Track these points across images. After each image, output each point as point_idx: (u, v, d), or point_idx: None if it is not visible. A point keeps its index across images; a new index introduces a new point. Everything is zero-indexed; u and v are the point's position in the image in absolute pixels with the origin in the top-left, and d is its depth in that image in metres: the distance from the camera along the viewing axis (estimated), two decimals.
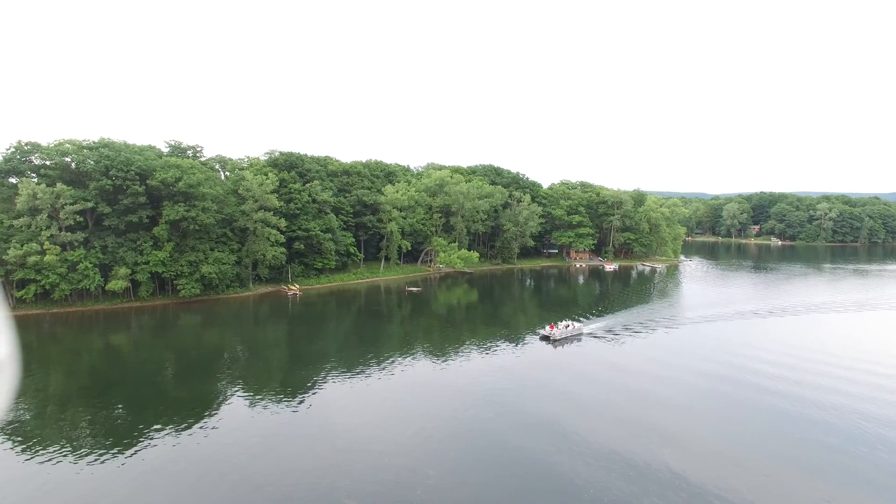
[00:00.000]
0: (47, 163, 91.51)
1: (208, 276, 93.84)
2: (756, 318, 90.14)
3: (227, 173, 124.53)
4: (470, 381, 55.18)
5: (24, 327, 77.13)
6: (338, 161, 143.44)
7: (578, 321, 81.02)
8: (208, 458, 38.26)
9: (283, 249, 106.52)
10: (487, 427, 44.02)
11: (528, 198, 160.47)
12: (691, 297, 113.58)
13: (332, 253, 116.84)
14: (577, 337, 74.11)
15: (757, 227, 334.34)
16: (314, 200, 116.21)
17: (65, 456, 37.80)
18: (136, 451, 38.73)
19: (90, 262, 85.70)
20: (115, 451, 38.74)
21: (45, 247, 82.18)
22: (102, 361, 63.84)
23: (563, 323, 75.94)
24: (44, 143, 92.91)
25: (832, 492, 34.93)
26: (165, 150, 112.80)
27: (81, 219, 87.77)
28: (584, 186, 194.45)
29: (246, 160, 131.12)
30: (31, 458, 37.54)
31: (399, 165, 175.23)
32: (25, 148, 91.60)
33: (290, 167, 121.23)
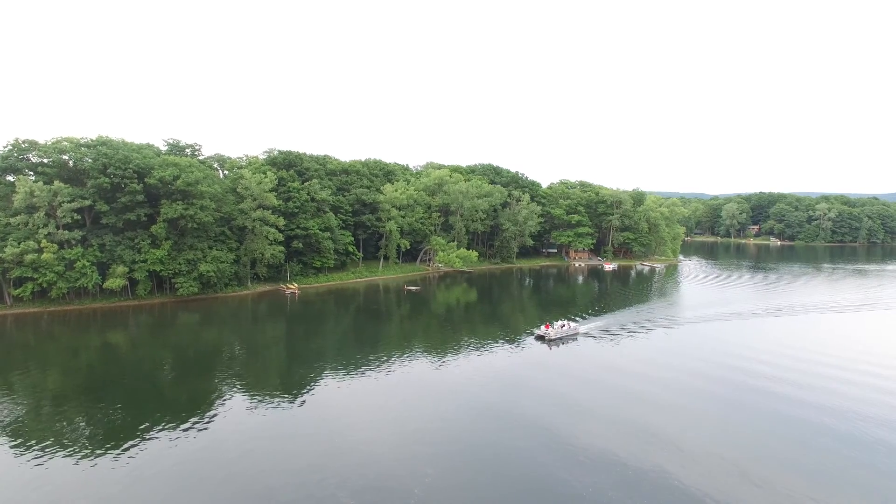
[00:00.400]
0: (45, 160, 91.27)
1: (206, 274, 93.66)
2: (754, 318, 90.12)
3: (226, 172, 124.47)
4: (467, 381, 55.11)
5: (22, 325, 76.94)
6: (337, 160, 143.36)
7: (574, 321, 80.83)
8: (205, 456, 38.14)
9: (281, 248, 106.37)
10: (487, 426, 43.93)
11: (527, 197, 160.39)
12: (690, 297, 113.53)
13: (331, 252, 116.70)
14: (572, 337, 73.92)
15: (756, 228, 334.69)
16: (313, 199, 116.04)
17: (61, 454, 37.66)
18: (132, 450, 38.57)
19: (88, 261, 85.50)
20: (111, 449, 38.60)
21: (42, 245, 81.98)
22: (100, 360, 63.65)
23: (559, 323, 75.72)
24: (41, 141, 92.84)
25: (831, 495, 34.84)
26: (164, 148, 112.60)
27: (79, 217, 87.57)
28: (584, 186, 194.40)
29: (244, 159, 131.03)
30: (28, 456, 37.39)
31: (398, 164, 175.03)
32: (23, 146, 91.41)
33: (288, 166, 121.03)
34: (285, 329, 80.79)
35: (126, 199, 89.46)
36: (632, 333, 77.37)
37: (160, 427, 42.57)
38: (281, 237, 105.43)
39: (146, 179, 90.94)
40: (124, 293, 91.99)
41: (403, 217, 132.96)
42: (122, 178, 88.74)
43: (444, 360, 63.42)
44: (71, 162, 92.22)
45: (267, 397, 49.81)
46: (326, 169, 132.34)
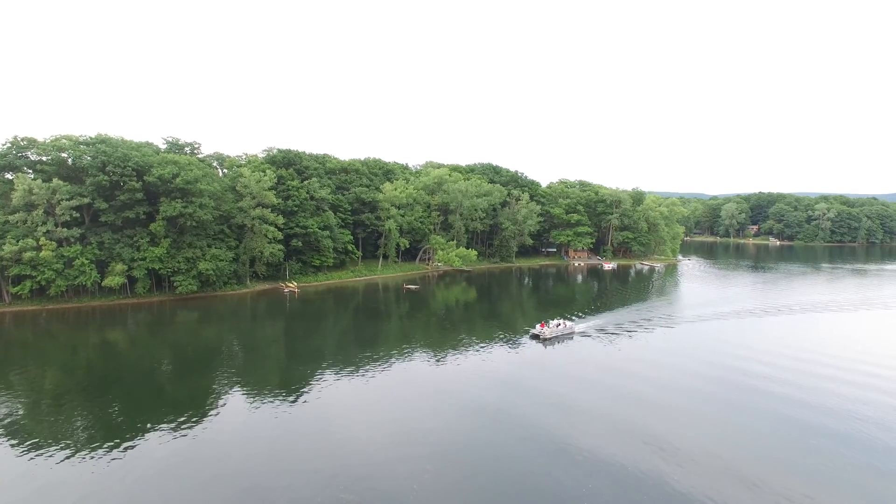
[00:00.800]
0: (43, 158, 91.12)
1: (205, 272, 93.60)
2: (753, 318, 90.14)
3: (225, 170, 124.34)
4: (465, 380, 55.11)
5: (20, 323, 76.85)
6: (336, 159, 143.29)
7: (571, 320, 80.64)
8: (205, 455, 38.10)
9: (280, 247, 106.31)
10: (486, 426, 43.93)
11: (526, 196, 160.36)
12: (689, 297, 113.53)
13: (330, 250, 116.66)
14: (568, 336, 73.75)
15: (755, 227, 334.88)
16: (312, 198, 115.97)
17: (60, 453, 37.58)
18: (131, 448, 38.53)
19: (86, 258, 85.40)
20: (110, 448, 38.54)
21: (41, 242, 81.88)
22: (99, 358, 63.55)
23: (555, 321, 75.52)
24: (40, 139, 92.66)
25: (829, 495, 34.84)
26: (163, 146, 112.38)
27: (78, 214, 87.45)
28: (583, 185, 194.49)
29: (244, 157, 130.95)
30: (26, 455, 37.32)
31: (397, 163, 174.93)
32: (21, 143, 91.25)
33: (287, 164, 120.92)
34: (284, 328, 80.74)
35: (125, 197, 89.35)
36: (630, 333, 77.33)
37: (160, 426, 42.51)
38: (280, 235, 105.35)
39: (145, 177, 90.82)
40: (123, 291, 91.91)
41: (403, 216, 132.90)
42: (120, 176, 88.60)
43: (442, 359, 63.40)
44: (70, 160, 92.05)
45: (266, 396, 49.77)
46: (326, 168, 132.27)
